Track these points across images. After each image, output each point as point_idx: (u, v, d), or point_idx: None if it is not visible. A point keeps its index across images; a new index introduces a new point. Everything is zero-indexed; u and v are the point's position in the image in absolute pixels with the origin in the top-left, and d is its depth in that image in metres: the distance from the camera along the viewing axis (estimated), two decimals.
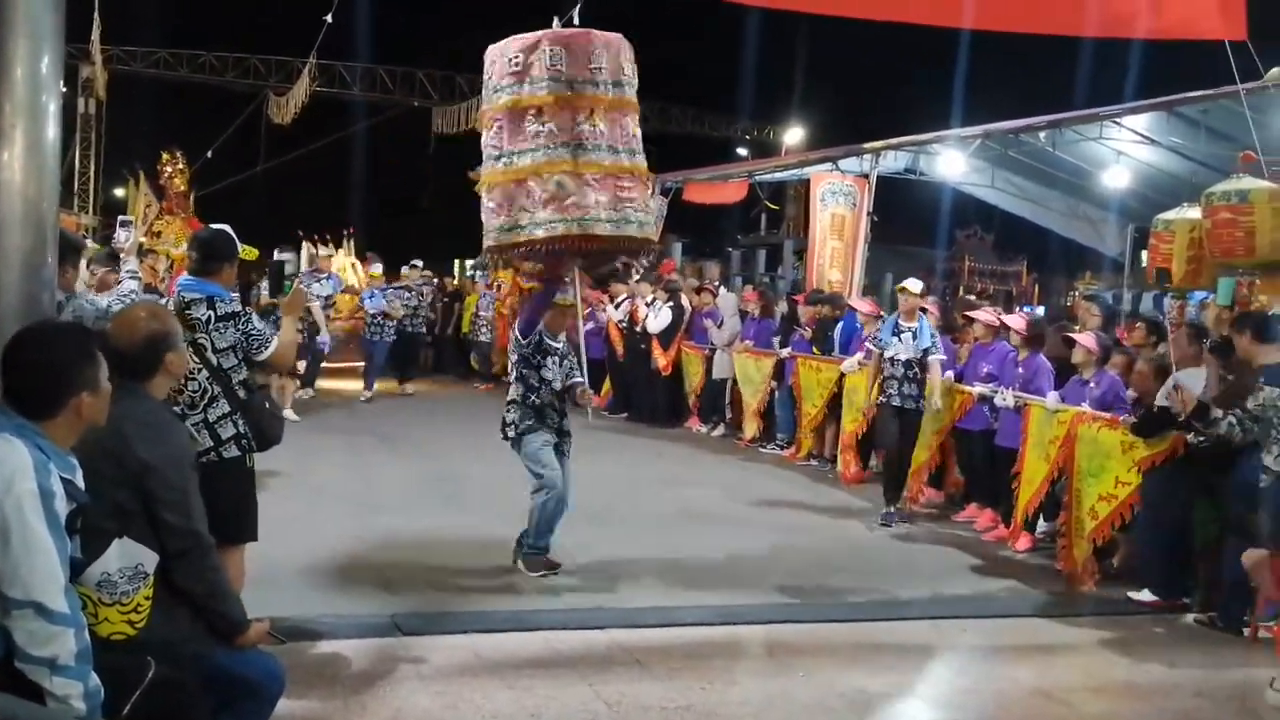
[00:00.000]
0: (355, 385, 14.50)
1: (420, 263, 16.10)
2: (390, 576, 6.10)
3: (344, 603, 5.60)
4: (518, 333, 6.18)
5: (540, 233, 5.30)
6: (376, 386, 14.09)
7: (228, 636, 3.22)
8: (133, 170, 18.18)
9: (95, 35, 17.34)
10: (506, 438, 6.19)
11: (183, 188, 17.20)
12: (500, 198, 5.44)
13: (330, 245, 18.72)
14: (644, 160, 5.62)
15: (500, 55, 5.52)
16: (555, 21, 5.60)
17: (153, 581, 3.03)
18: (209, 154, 22.87)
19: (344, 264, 18.02)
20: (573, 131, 5.34)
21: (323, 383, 14.19)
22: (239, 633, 3.24)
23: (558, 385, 6.25)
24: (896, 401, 8.38)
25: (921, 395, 8.32)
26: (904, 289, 8.69)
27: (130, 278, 5.97)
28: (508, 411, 6.20)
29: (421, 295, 15.06)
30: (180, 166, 17.22)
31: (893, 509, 8.32)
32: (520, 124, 5.38)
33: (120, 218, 11.36)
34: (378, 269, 15.36)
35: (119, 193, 28.72)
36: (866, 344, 9.26)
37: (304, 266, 16.51)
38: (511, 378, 6.30)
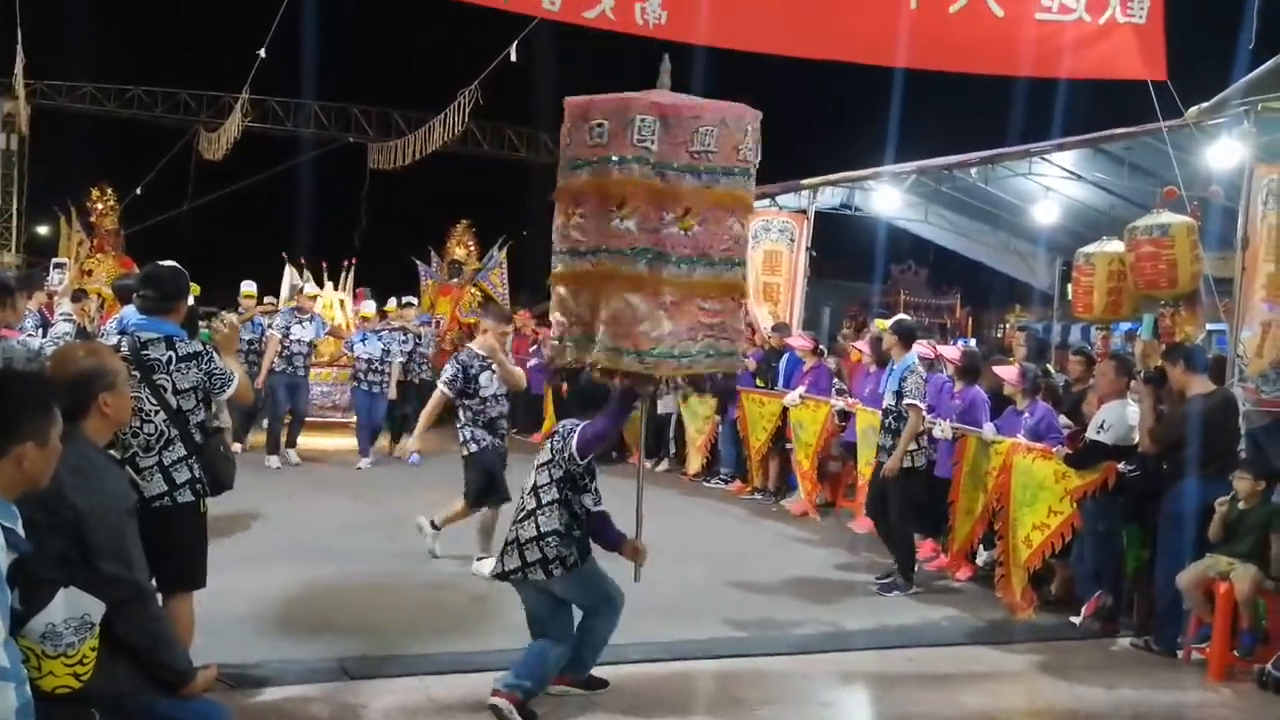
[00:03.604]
0: (348, 443, 12.50)
1: (415, 300, 14.50)
2: (336, 620, 6.00)
3: (290, 647, 5.49)
4: (575, 450, 4.81)
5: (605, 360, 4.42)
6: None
7: (173, 687, 3.15)
8: (63, 208, 17.80)
9: (18, 69, 17.03)
10: (549, 578, 4.78)
11: (112, 225, 16.92)
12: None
13: (311, 279, 16.01)
14: (743, 272, 4.58)
15: (581, 117, 4.45)
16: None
17: (98, 632, 2.95)
18: (138, 190, 22.53)
19: (330, 300, 15.39)
20: (657, 234, 4.28)
21: (310, 440, 12.47)
22: (184, 683, 3.18)
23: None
24: (883, 456, 7.58)
25: (896, 446, 7.42)
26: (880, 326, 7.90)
27: (65, 320, 5.85)
28: (544, 545, 4.77)
29: (419, 338, 13.19)
30: (111, 203, 16.95)
31: (890, 578, 7.43)
32: (605, 213, 4.34)
33: (54, 260, 10.78)
34: (370, 308, 13.08)
35: (43, 230, 28.14)
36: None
37: (284, 294, 14.61)
38: (544, 500, 4.85)
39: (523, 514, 4.88)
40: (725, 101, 4.47)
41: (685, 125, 4.25)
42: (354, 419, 12.65)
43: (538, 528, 4.80)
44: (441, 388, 7.20)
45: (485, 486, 7.16)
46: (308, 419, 12.41)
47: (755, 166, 4.52)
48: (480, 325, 8.07)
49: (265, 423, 11.68)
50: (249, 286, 12.62)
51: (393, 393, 12.13)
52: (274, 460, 11.25)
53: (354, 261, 16.42)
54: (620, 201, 4.28)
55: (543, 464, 4.93)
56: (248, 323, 12.05)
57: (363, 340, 12.08)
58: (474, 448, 7.15)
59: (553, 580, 4.78)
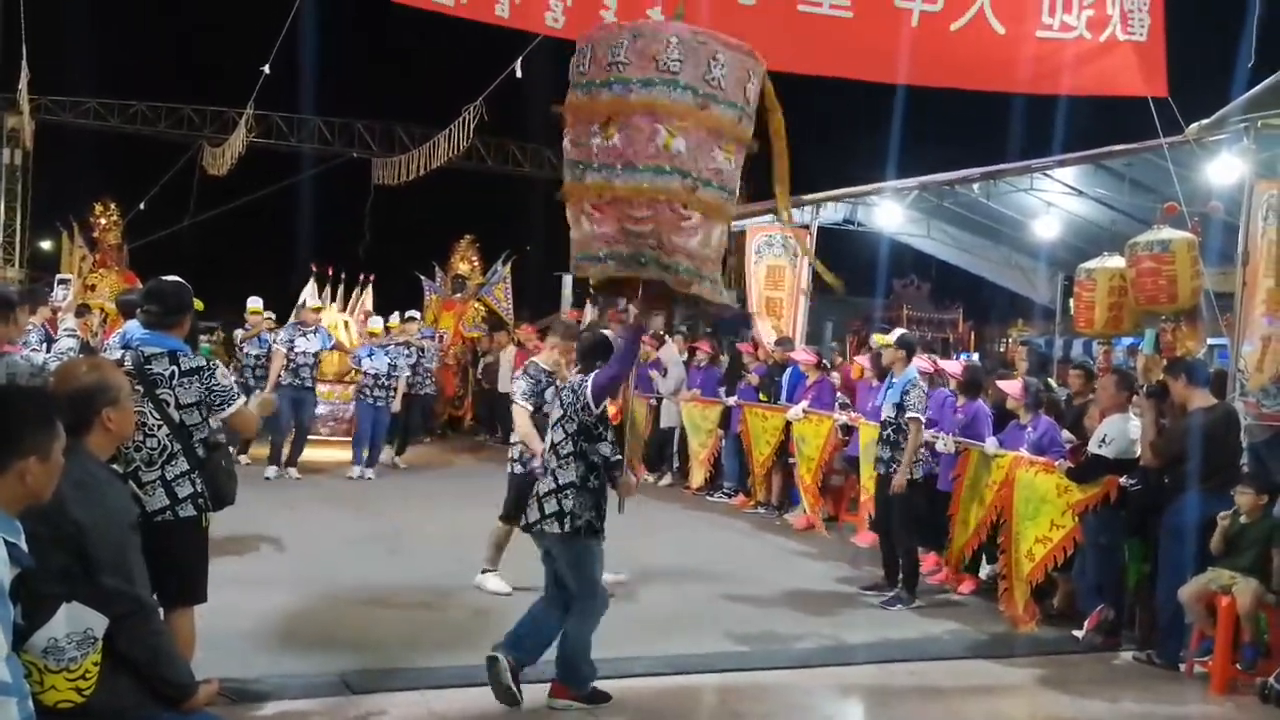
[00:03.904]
0: (348, 455, 12.20)
1: (417, 314, 14.41)
2: (337, 634, 6.00)
3: (291, 661, 5.48)
4: (589, 398, 4.98)
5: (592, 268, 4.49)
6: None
7: (175, 702, 3.15)
8: (66, 223, 17.82)
9: (23, 84, 17.06)
10: (563, 531, 4.96)
11: (115, 241, 16.96)
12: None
13: (326, 293, 15.81)
14: (687, 181, 4.26)
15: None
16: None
17: (100, 647, 2.96)
18: (141, 205, 22.59)
19: (335, 322, 14.71)
20: (587, 147, 4.37)
21: (310, 453, 12.19)
22: (186, 697, 3.18)
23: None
24: (880, 468, 7.66)
25: (895, 459, 7.48)
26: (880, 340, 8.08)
27: (69, 335, 5.86)
28: (562, 498, 4.98)
29: (423, 352, 13.34)
30: (114, 218, 17.00)
31: (890, 592, 7.48)
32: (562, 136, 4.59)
33: (58, 276, 10.74)
34: (377, 323, 13.01)
35: (46, 245, 28.19)
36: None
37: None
38: (562, 454, 5.06)
39: (545, 471, 5.14)
40: (671, 21, 4.48)
41: (604, 45, 4.37)
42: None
43: (556, 481, 5.05)
44: (522, 403, 6.93)
45: (520, 507, 6.81)
46: (313, 436, 12.38)
47: (696, 79, 4.24)
48: (547, 341, 7.76)
49: (269, 435, 11.68)
50: (255, 302, 12.65)
51: (397, 406, 12.16)
52: (272, 470, 11.26)
53: (372, 278, 16.20)
54: (562, 123, 4.49)
55: (557, 421, 5.15)
56: (254, 338, 12.08)
57: (369, 355, 12.08)
58: (519, 469, 6.99)
59: (561, 537, 4.97)
